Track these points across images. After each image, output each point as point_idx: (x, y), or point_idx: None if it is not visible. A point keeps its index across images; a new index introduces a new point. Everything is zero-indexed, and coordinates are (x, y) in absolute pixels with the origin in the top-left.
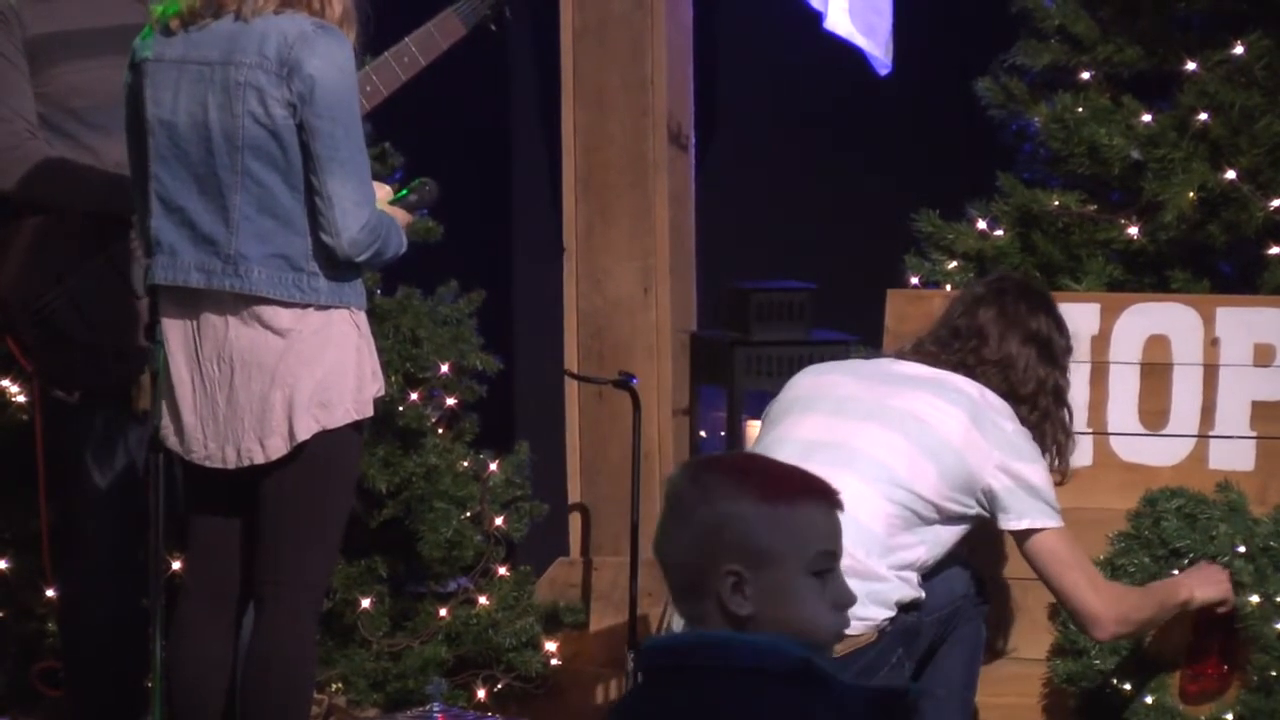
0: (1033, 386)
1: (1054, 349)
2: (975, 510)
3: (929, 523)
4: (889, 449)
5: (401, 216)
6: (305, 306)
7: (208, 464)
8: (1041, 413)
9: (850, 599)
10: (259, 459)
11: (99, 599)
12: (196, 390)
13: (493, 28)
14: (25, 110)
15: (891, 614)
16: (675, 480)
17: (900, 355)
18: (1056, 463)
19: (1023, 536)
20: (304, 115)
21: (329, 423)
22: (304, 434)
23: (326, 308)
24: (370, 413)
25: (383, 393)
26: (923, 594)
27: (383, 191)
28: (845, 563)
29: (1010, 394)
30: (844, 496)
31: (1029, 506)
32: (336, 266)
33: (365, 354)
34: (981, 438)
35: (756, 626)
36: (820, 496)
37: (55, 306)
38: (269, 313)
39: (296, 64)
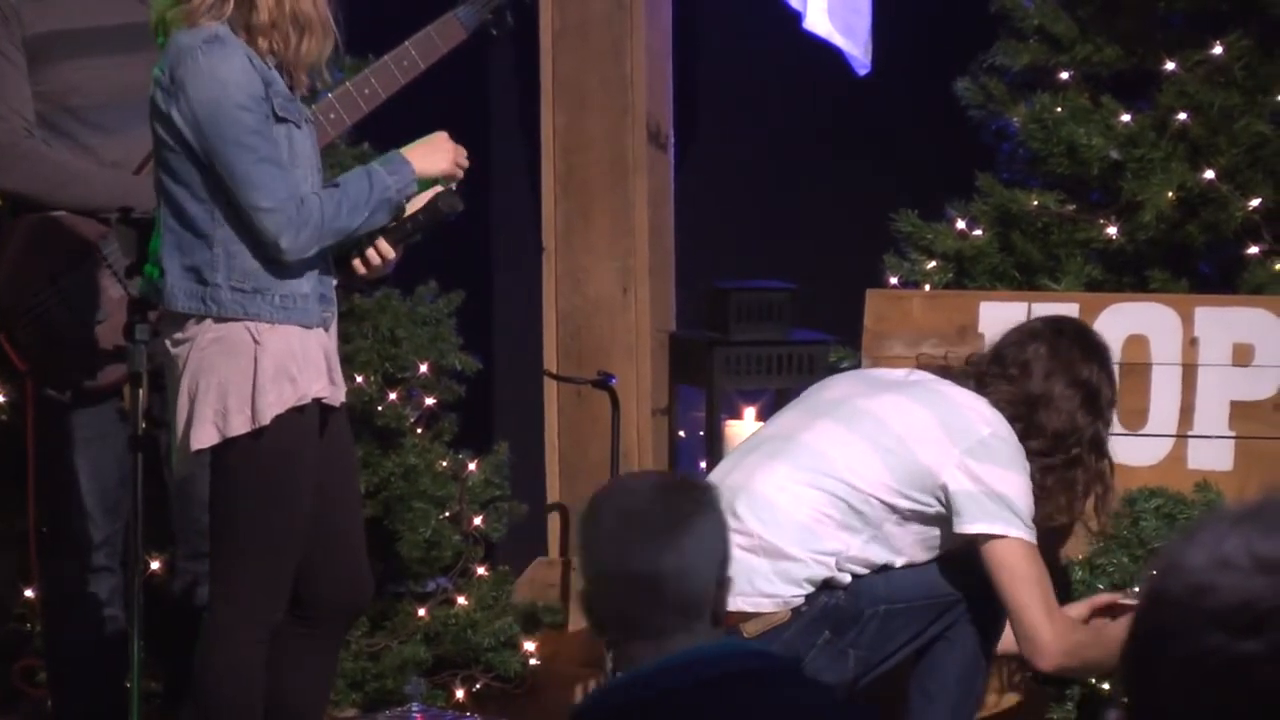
0: (1060, 429)
1: (1100, 400)
2: (936, 509)
3: (871, 517)
4: (833, 442)
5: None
6: (203, 319)
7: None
8: (1071, 459)
9: None
10: (176, 463)
11: (86, 599)
12: None
13: (493, 32)
14: (23, 108)
15: (803, 592)
16: (648, 493)
17: (920, 364)
18: (1096, 513)
19: (980, 543)
20: (197, 140)
21: (228, 431)
22: (200, 442)
23: (225, 320)
24: (266, 421)
25: (306, 400)
26: (843, 576)
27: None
28: (752, 541)
29: (1031, 431)
30: (769, 482)
31: (985, 511)
32: (245, 278)
33: (266, 365)
34: (945, 435)
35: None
36: None
37: (49, 306)
38: (176, 321)
39: (180, 85)
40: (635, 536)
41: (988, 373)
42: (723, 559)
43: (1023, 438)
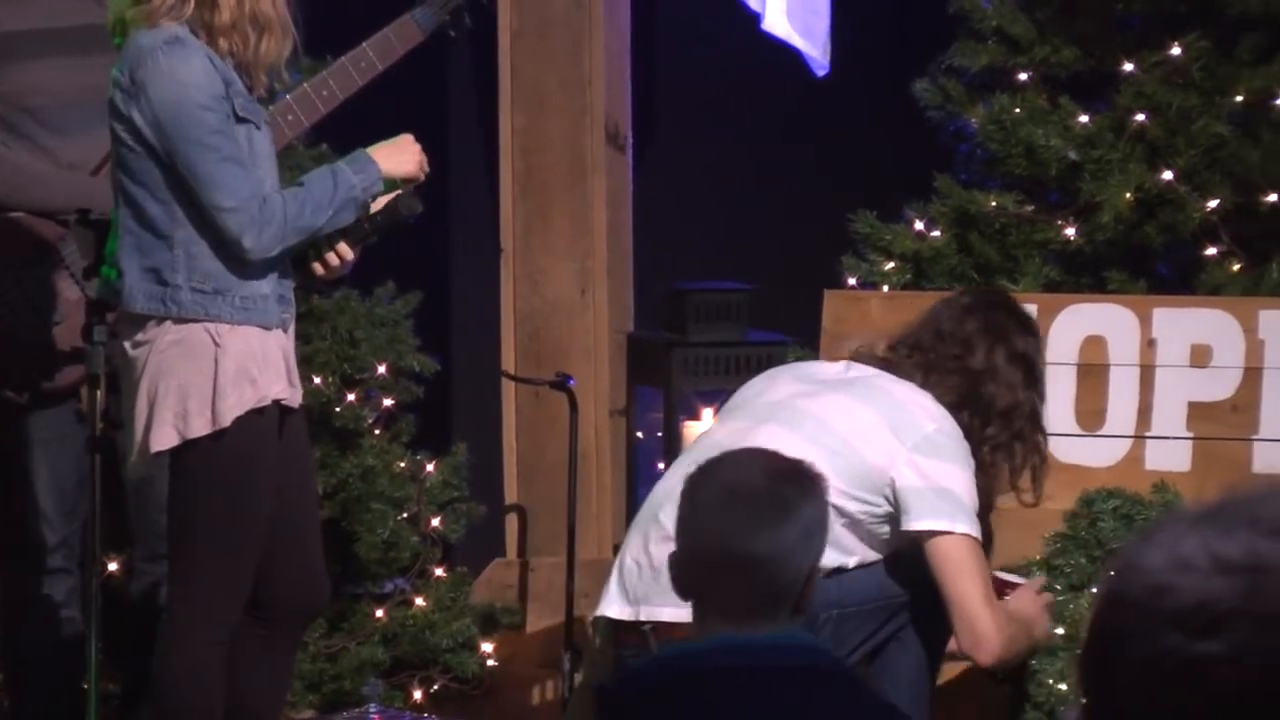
0: (1007, 404)
1: (1035, 372)
2: (885, 509)
3: None
4: (779, 446)
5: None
6: (163, 320)
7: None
8: (1014, 433)
9: None
10: (132, 465)
11: (43, 600)
12: None
13: (451, 33)
14: None
15: None
16: (759, 475)
17: (858, 356)
18: (1032, 486)
19: (924, 539)
20: (158, 140)
21: (189, 433)
22: (160, 444)
23: (185, 321)
24: (227, 423)
25: (266, 401)
26: None
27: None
28: None
29: (978, 409)
30: None
31: (932, 507)
32: (205, 279)
33: (226, 367)
34: (892, 434)
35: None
36: None
37: (10, 307)
38: (135, 322)
39: (142, 86)
40: (736, 515)
41: (934, 354)
42: (818, 551)
43: (970, 419)
